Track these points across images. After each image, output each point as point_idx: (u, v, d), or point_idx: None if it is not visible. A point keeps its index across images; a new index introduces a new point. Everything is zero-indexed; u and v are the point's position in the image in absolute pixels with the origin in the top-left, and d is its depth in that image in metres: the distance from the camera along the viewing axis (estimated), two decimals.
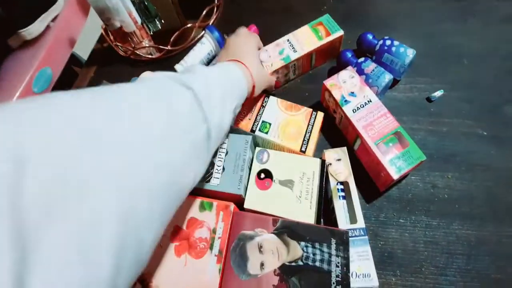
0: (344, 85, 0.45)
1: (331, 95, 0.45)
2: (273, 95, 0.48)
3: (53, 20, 0.61)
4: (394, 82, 0.51)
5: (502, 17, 0.56)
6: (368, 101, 0.43)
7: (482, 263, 0.37)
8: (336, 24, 0.52)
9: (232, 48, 0.44)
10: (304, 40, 0.51)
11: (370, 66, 0.48)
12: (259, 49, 0.50)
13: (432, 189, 0.42)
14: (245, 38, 0.46)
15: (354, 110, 0.43)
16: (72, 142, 0.18)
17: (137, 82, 0.30)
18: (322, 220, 0.38)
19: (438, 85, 0.50)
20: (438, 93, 0.49)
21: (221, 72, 0.36)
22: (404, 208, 0.41)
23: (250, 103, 0.46)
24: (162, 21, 0.67)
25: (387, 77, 0.46)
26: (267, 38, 0.55)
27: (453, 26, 0.56)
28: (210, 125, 0.30)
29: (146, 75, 0.51)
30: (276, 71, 0.50)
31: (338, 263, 0.30)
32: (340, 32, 0.52)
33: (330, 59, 0.56)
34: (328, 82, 0.46)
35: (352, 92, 0.45)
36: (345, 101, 0.44)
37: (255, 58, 0.44)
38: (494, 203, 0.40)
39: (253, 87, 0.41)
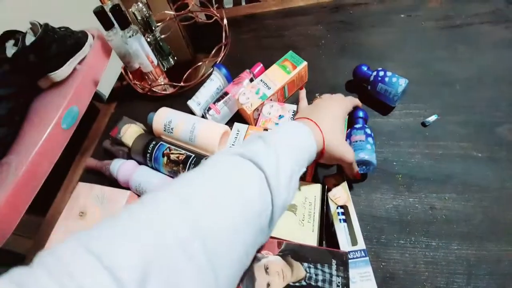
0: (271, 116, 0.54)
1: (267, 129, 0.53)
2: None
3: (80, 63, 0.69)
4: (389, 108, 0.55)
5: (493, 42, 0.59)
6: (293, 112, 0.53)
7: (482, 282, 0.38)
8: (300, 57, 0.59)
9: (315, 108, 0.44)
10: (275, 77, 0.57)
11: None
12: (351, 112, 0.50)
13: (430, 211, 0.44)
14: (333, 101, 0.46)
15: None
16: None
17: (209, 164, 0.31)
18: (324, 242, 0.40)
19: (432, 110, 0.53)
20: (432, 118, 0.52)
21: (293, 140, 0.35)
22: (403, 230, 0.43)
23: None
24: (175, 57, 0.74)
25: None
26: None
27: (445, 53, 0.60)
28: (275, 207, 0.29)
29: (163, 110, 0.57)
30: (256, 109, 0.55)
31: (339, 282, 0.32)
32: (304, 63, 0.58)
33: (301, 86, 0.63)
34: (260, 122, 0.54)
35: (280, 116, 0.54)
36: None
37: (334, 123, 0.42)
38: (492, 223, 0.42)
39: (322, 152, 0.39)
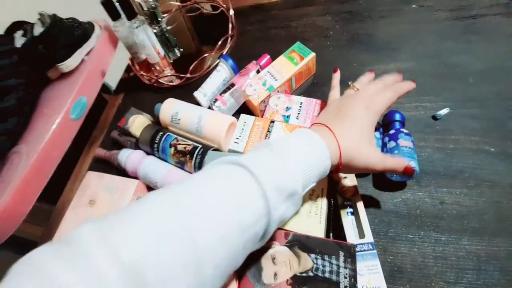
0: (278, 107, 0.53)
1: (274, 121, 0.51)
2: None
3: (87, 54, 0.69)
4: (400, 101, 0.53)
5: (507, 34, 0.58)
6: (300, 103, 0.53)
7: (492, 278, 0.37)
8: (307, 49, 0.58)
9: (340, 109, 0.38)
10: (282, 68, 0.56)
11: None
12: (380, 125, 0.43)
13: (440, 205, 0.44)
14: (364, 99, 0.38)
15: (297, 117, 0.51)
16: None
17: (207, 172, 0.31)
18: (331, 235, 0.40)
19: (443, 103, 0.52)
20: (444, 111, 0.51)
21: (304, 153, 0.33)
22: (412, 224, 0.43)
23: (258, 130, 0.50)
24: (181, 49, 0.74)
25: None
26: None
27: (457, 45, 0.58)
28: (271, 220, 0.30)
29: (170, 101, 0.57)
30: (263, 101, 0.54)
31: (346, 274, 0.32)
32: (312, 55, 0.57)
33: (308, 78, 0.62)
34: (267, 114, 0.53)
35: (287, 107, 0.53)
36: (287, 117, 0.52)
37: (358, 135, 0.36)
38: (503, 219, 0.41)
39: (339, 167, 0.35)
